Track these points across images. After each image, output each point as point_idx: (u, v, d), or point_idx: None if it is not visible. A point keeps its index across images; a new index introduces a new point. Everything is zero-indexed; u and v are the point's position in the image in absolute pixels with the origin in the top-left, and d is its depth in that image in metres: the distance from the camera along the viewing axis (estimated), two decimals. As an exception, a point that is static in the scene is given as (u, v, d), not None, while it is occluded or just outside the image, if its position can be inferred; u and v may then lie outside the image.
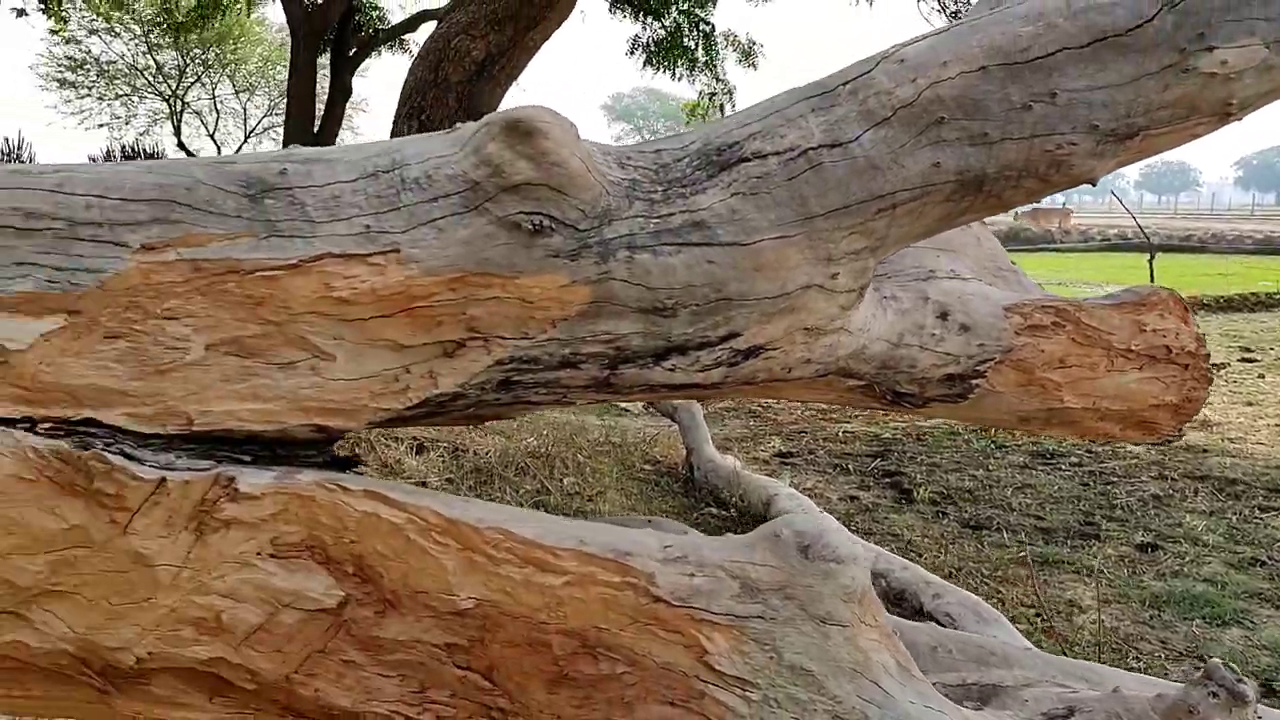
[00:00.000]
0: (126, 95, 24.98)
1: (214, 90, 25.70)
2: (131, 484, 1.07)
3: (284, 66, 25.11)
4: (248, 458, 1.15)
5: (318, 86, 10.94)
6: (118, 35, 23.62)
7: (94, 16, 21.68)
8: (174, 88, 24.63)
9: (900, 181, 1.27)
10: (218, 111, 26.06)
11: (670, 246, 1.24)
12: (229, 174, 1.20)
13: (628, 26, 11.45)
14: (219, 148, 25.83)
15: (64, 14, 12.55)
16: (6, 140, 23.48)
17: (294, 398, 1.15)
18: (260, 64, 25.39)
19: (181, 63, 24.15)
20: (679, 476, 5.24)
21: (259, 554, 1.12)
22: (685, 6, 10.88)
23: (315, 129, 10.20)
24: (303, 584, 1.13)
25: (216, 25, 15.88)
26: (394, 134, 7.29)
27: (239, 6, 12.84)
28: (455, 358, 1.21)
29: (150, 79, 24.67)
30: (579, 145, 1.22)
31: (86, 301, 1.09)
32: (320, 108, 11.04)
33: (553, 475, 4.82)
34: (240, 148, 26.33)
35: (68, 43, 23.29)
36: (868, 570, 1.16)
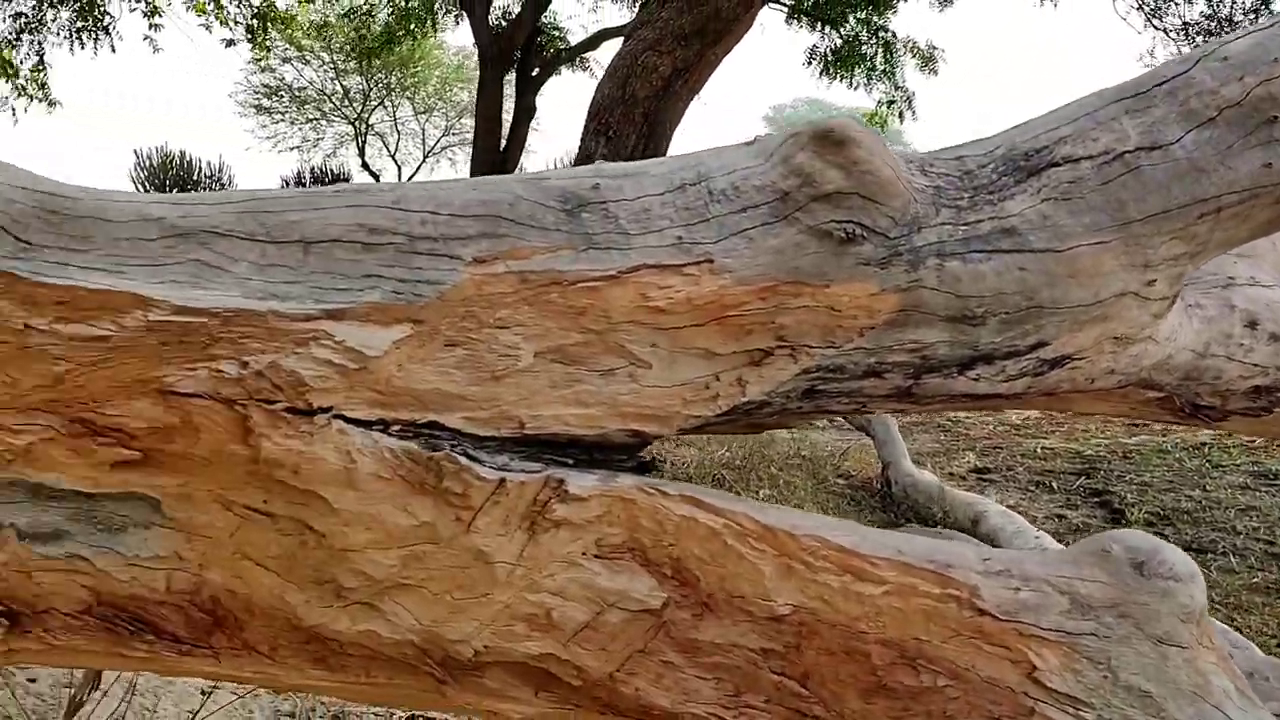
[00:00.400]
0: (316, 119, 26.50)
1: (394, 112, 26.94)
2: (476, 484, 1.12)
3: (460, 87, 26.23)
4: (570, 461, 1.19)
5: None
6: (308, 63, 25.08)
7: (286, 46, 23.07)
8: (359, 111, 25.97)
9: (1226, 185, 1.21)
10: (398, 133, 27.31)
11: (980, 254, 1.22)
12: (546, 189, 1.25)
13: (789, 37, 11.41)
14: (399, 168, 27.08)
15: (267, 43, 13.43)
16: (209, 164, 25.28)
17: (613, 403, 1.19)
18: (438, 86, 26.43)
19: (366, 87, 25.44)
20: (874, 491, 5.16)
21: (584, 554, 1.16)
22: (863, 15, 10.75)
23: (501, 148, 10.56)
24: (627, 585, 1.16)
25: (400, 50, 16.63)
26: (581, 151, 7.47)
27: (424, 30, 13.42)
28: (763, 366, 1.22)
29: (337, 103, 26.08)
30: (888, 154, 1.22)
31: (428, 312, 1.15)
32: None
33: (749, 487, 4.83)
34: (419, 168, 27.53)
35: (264, 71, 24.91)
36: (1204, 590, 1.11)
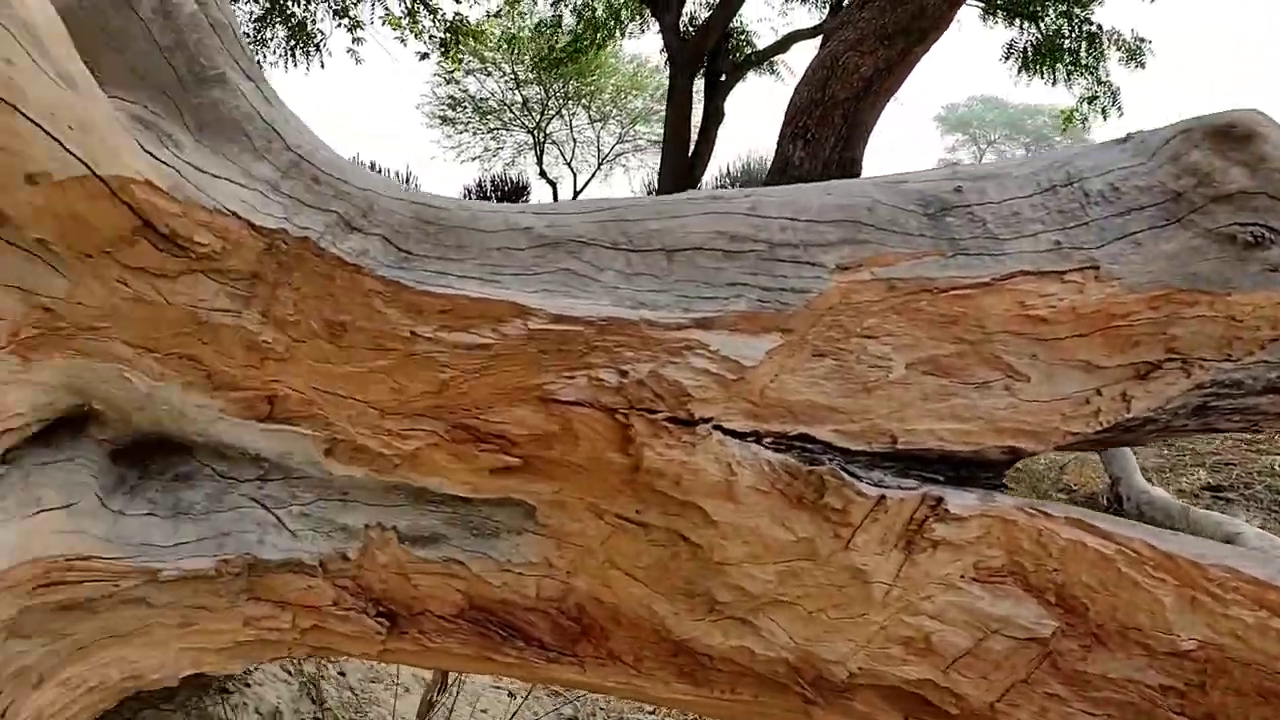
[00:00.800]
0: (496, 129, 27.24)
1: (570, 121, 27.38)
2: (857, 500, 1.08)
3: (633, 95, 26.48)
4: (940, 478, 1.14)
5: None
6: (489, 74, 25.80)
7: (470, 58, 23.79)
8: (537, 120, 26.55)
9: None
10: (574, 141, 27.77)
11: (1406, 259, 1.10)
12: (904, 193, 1.20)
13: (959, 34, 10.99)
14: (575, 175, 27.55)
15: (459, 55, 13.91)
16: (397, 174, 26.39)
17: (990, 418, 1.13)
18: (613, 94, 26.72)
19: (544, 97, 25.99)
20: (1101, 507, 4.87)
21: (963, 576, 1.10)
22: (1064, 7, 10.25)
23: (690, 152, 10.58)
24: (1011, 610, 1.09)
25: (582, 59, 16.91)
26: (778, 155, 7.37)
27: (612, 38, 13.62)
28: (1149, 380, 1.13)
29: (516, 113, 26.74)
30: (1297, 149, 1.11)
31: (795, 320, 1.12)
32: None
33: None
34: (593, 176, 27.92)
35: (448, 83, 25.78)
36: None
